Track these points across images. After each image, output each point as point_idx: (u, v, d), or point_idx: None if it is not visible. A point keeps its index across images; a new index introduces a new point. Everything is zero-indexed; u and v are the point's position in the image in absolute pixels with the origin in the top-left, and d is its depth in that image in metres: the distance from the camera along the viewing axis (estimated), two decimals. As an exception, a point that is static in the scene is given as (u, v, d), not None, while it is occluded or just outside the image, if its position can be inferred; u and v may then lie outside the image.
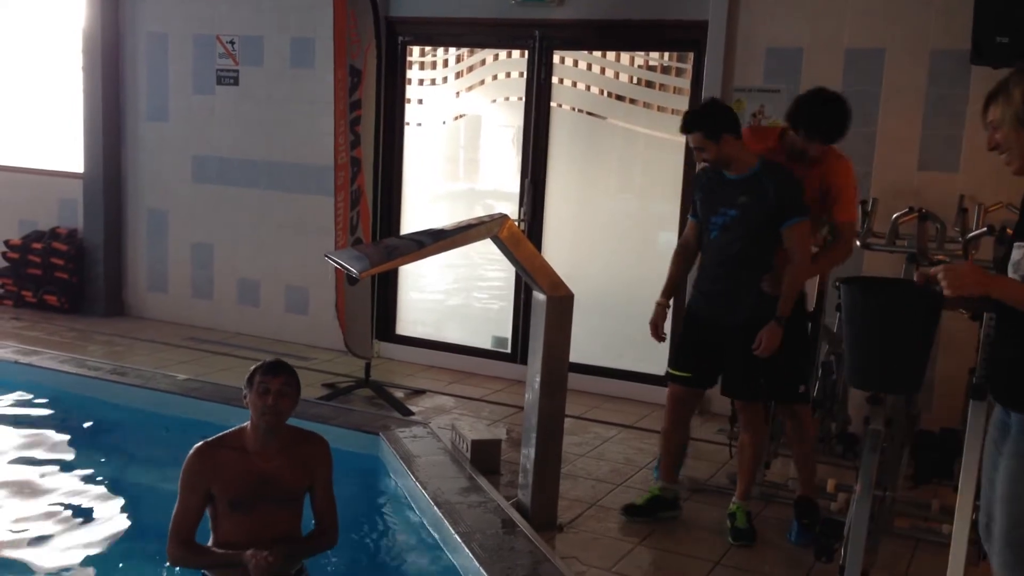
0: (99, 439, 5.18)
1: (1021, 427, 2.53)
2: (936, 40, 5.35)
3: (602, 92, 6.46)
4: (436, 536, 3.90)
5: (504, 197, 6.82)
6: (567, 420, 4.46)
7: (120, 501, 4.34)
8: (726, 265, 4.12)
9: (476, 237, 3.98)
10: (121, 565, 3.75)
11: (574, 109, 6.56)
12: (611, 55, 6.43)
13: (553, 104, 6.53)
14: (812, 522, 4.15)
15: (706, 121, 4.00)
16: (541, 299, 4.12)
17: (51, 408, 5.44)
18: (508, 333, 6.81)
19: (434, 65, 7.00)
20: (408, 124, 7.05)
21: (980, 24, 4.92)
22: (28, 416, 5.33)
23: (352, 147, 5.86)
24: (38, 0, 8.31)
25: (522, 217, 6.56)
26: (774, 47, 5.74)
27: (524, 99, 6.59)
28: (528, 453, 4.21)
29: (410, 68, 7.00)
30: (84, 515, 4.15)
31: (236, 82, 7.38)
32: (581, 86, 6.55)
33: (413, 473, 4.34)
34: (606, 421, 5.87)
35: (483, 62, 6.83)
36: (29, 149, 8.50)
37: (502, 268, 6.73)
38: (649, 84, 6.35)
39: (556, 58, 6.48)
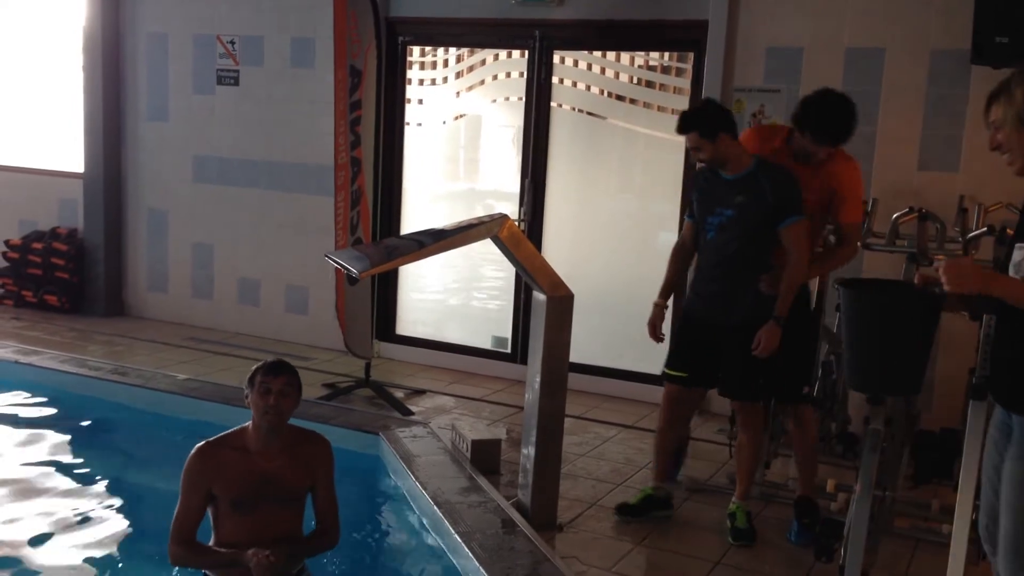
0: (99, 439, 5.19)
1: (1024, 430, 2.53)
2: (936, 40, 5.36)
3: (602, 92, 6.46)
4: (436, 536, 3.91)
5: (504, 197, 6.82)
6: (567, 420, 4.46)
7: (121, 501, 4.34)
8: (723, 265, 4.12)
9: (476, 237, 3.98)
10: (121, 565, 3.75)
11: (574, 109, 6.56)
12: (611, 55, 6.43)
13: (553, 104, 6.53)
14: (812, 522, 4.15)
15: (702, 121, 4.00)
16: (541, 299, 4.12)
17: (51, 408, 5.44)
18: (508, 333, 6.81)
19: (434, 65, 7.00)
20: (408, 124, 7.05)
21: (980, 24, 4.93)
22: (28, 416, 5.33)
23: (352, 147, 5.87)
24: (38, 0, 8.31)
25: (522, 217, 6.57)
26: (774, 47, 5.74)
27: (524, 99, 6.59)
28: (528, 453, 4.21)
29: (410, 68, 7.01)
30: (84, 515, 4.15)
31: (236, 82, 7.38)
32: (581, 86, 6.55)
33: (413, 473, 4.34)
34: (606, 421, 5.87)
35: (483, 62, 6.83)
36: (29, 149, 8.50)
37: (502, 268, 6.73)
38: (649, 84, 6.35)
39: (556, 58, 6.48)
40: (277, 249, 7.39)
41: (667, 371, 4.34)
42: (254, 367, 3.16)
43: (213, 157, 7.57)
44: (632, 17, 6.15)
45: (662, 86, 6.34)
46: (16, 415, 5.34)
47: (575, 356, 4.32)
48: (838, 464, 4.89)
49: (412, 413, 5.70)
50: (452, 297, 7.28)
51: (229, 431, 3.21)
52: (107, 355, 6.61)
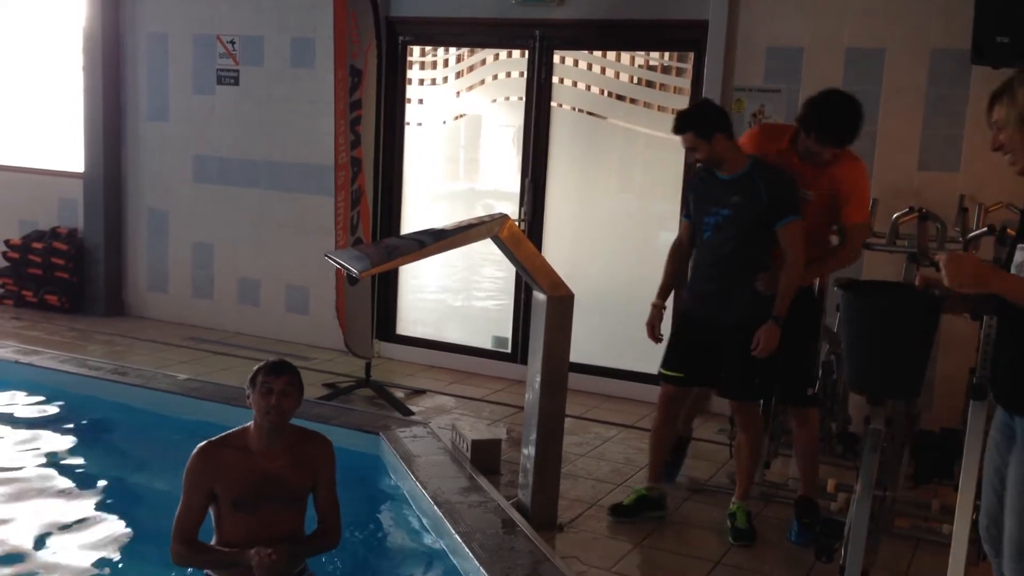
0: (100, 439, 5.19)
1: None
2: (936, 40, 5.36)
3: (602, 92, 6.46)
4: (436, 536, 3.91)
5: (504, 197, 6.82)
6: (567, 420, 4.46)
7: (121, 501, 4.34)
8: (719, 265, 4.12)
9: (476, 237, 3.98)
10: (122, 565, 3.75)
11: (574, 109, 6.56)
12: (611, 55, 6.43)
13: (553, 104, 6.53)
14: (812, 522, 4.15)
15: (698, 121, 4.01)
16: (541, 299, 4.12)
17: (51, 408, 5.44)
18: (508, 333, 6.81)
19: (434, 65, 7.00)
20: (408, 124, 7.05)
21: (980, 24, 4.92)
22: (28, 416, 5.33)
23: (352, 147, 5.87)
24: (38, 0, 8.31)
25: (522, 217, 6.57)
26: (774, 47, 5.74)
27: (524, 99, 6.59)
28: (528, 453, 4.21)
29: (410, 68, 7.00)
30: (85, 515, 4.15)
31: (236, 82, 7.38)
32: (581, 86, 6.55)
33: (413, 473, 4.34)
34: (606, 421, 5.87)
35: (483, 62, 6.83)
36: (29, 149, 8.50)
37: (502, 268, 6.73)
38: (649, 84, 6.35)
39: (556, 58, 6.48)
40: (277, 249, 7.39)
41: (663, 371, 4.34)
42: (256, 367, 3.16)
43: (213, 157, 7.57)
44: (632, 17, 6.15)
45: (662, 86, 6.34)
46: (16, 415, 5.34)
47: (575, 356, 4.32)
48: (838, 464, 4.89)
49: (412, 413, 5.70)
50: (452, 297, 7.28)
51: (231, 431, 3.21)
52: (107, 355, 6.61)
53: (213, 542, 3.14)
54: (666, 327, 4.37)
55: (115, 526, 4.08)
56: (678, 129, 4.04)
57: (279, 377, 3.10)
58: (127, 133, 7.90)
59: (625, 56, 6.37)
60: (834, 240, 4.35)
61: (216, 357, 6.83)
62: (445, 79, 6.96)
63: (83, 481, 4.52)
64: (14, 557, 3.71)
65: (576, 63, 6.49)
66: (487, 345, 6.91)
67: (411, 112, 7.04)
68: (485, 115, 6.96)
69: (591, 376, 6.28)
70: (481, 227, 3.94)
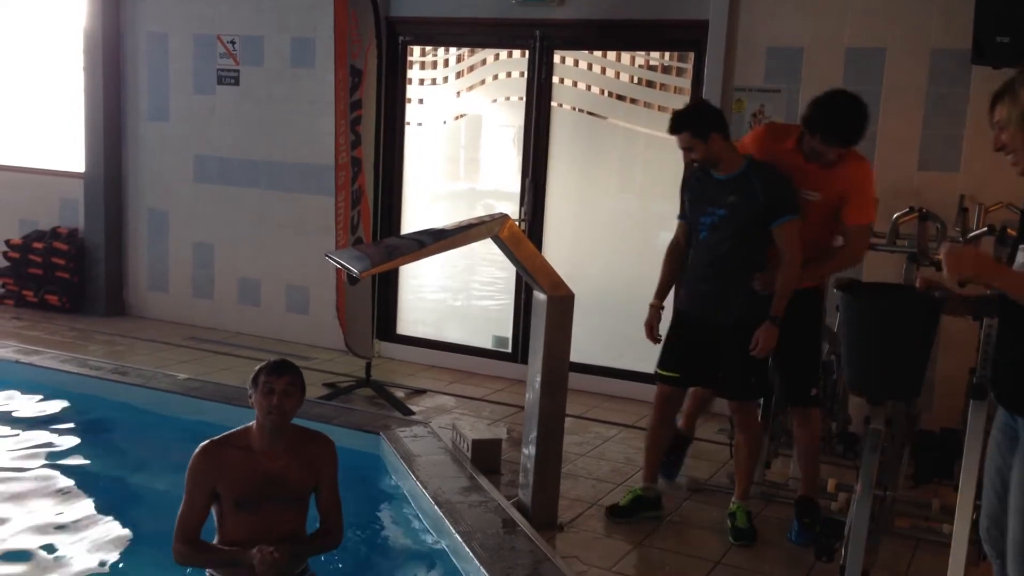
0: (100, 439, 5.18)
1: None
2: (937, 40, 5.36)
3: (603, 92, 6.46)
4: (436, 536, 3.91)
5: (505, 197, 6.82)
6: (567, 419, 4.47)
7: (121, 500, 4.35)
8: (715, 265, 4.12)
9: (477, 237, 3.98)
10: (123, 565, 3.75)
11: (575, 109, 6.57)
12: (611, 55, 6.43)
13: (553, 104, 6.53)
14: (813, 521, 4.15)
15: (694, 121, 4.01)
16: (542, 299, 4.12)
17: (52, 408, 5.44)
18: (508, 333, 6.81)
19: (434, 65, 7.00)
20: (408, 124, 7.05)
21: (981, 24, 4.92)
22: (28, 416, 5.33)
23: (353, 147, 5.87)
24: (39, 0, 8.31)
25: (523, 217, 6.57)
26: (774, 47, 5.74)
27: (524, 99, 6.59)
28: (528, 453, 4.21)
29: (410, 68, 7.01)
30: (85, 515, 4.15)
31: (237, 82, 7.39)
32: (582, 86, 6.55)
33: (414, 473, 4.34)
34: (606, 421, 5.88)
35: (483, 62, 6.83)
36: (30, 149, 8.50)
37: (502, 268, 6.73)
38: (650, 84, 6.35)
39: (556, 58, 6.48)
40: (277, 249, 7.39)
41: (659, 371, 4.34)
42: (258, 367, 3.17)
43: (213, 157, 7.57)
44: (632, 17, 6.15)
45: (662, 86, 6.34)
46: (16, 415, 5.34)
47: (575, 356, 4.33)
48: (838, 464, 4.88)
49: (413, 413, 5.70)
50: (452, 297, 7.28)
51: (233, 430, 3.21)
52: (108, 355, 6.61)
53: (215, 542, 3.15)
54: (664, 327, 4.37)
55: (115, 526, 4.08)
56: (674, 129, 4.04)
57: (281, 377, 3.10)
58: (127, 133, 7.91)
59: (625, 56, 6.38)
60: (840, 241, 4.34)
61: (216, 357, 6.83)
62: (445, 79, 6.96)
63: (83, 481, 4.52)
64: (14, 557, 3.72)
65: (576, 63, 6.49)
66: (487, 345, 6.91)
67: (411, 112, 7.04)
68: (485, 115, 6.96)
69: (591, 376, 6.29)
70: (481, 227, 3.94)
